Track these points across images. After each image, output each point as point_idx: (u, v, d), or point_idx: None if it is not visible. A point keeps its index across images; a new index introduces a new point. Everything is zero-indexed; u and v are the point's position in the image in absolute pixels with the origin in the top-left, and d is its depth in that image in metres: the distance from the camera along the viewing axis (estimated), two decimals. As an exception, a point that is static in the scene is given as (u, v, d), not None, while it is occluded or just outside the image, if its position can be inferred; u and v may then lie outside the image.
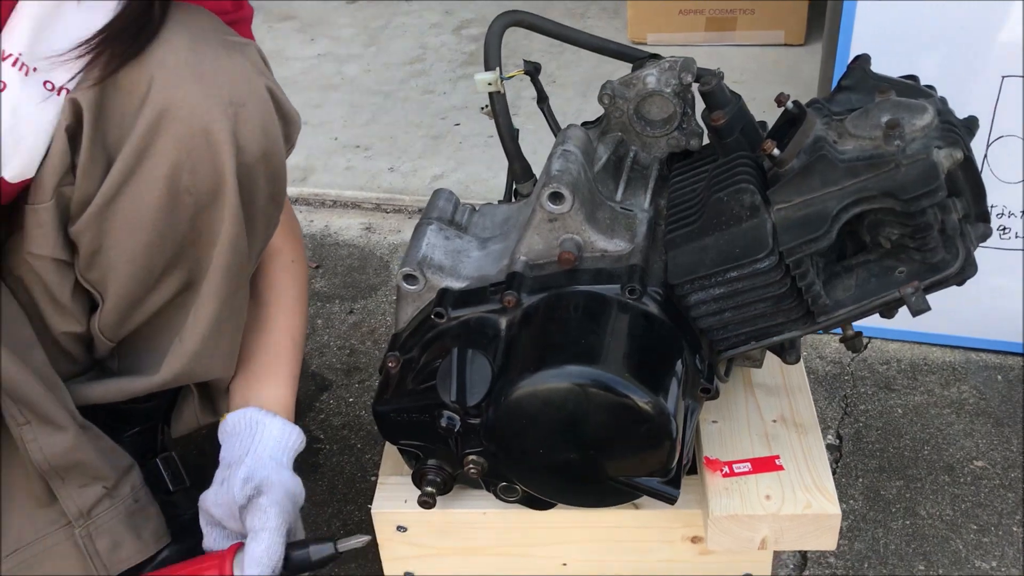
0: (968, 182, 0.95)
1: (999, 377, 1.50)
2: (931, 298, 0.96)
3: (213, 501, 1.01)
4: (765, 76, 2.35)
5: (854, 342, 1.02)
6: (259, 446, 1.03)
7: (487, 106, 1.17)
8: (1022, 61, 1.33)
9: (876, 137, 0.92)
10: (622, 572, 1.16)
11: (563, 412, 0.95)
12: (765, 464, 1.08)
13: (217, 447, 1.08)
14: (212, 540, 1.05)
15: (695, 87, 1.08)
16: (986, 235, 0.99)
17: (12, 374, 0.95)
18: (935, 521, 1.28)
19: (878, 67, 1.05)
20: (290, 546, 1.00)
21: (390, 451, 1.18)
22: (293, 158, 1.00)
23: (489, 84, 1.14)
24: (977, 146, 1.15)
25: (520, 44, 2.39)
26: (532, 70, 1.19)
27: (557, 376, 0.94)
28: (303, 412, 1.47)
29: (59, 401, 0.99)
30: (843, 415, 1.45)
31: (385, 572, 1.18)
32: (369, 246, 1.88)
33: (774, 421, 1.14)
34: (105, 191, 0.92)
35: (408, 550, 1.15)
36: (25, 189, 0.94)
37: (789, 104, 0.99)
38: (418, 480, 1.08)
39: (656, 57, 1.13)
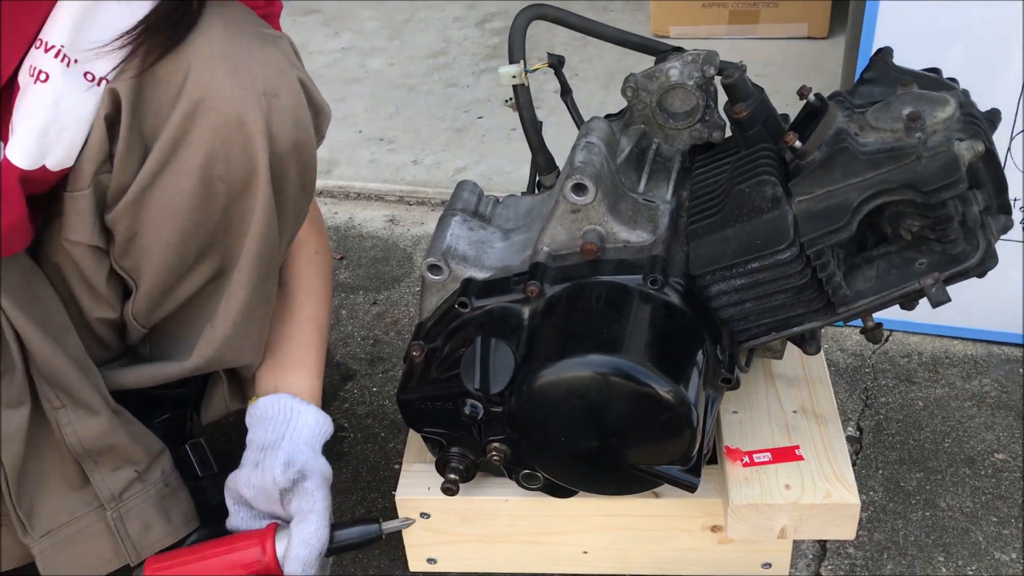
0: (989, 174, 0.95)
1: (1021, 371, 1.50)
2: (953, 291, 0.96)
3: (246, 482, 1.03)
4: (788, 69, 2.35)
5: (874, 333, 1.03)
6: (295, 432, 1.05)
7: (511, 99, 1.18)
8: (1046, 55, 1.33)
9: (897, 129, 0.93)
10: (642, 560, 1.17)
11: (585, 400, 0.96)
12: (785, 454, 1.09)
13: (244, 434, 1.10)
14: (240, 520, 1.07)
15: (718, 80, 1.09)
16: (1007, 227, 0.99)
17: (48, 359, 0.98)
18: (955, 513, 1.28)
19: (902, 60, 1.05)
20: (333, 526, 1.01)
21: (413, 439, 1.20)
22: (318, 151, 1.01)
23: (513, 77, 1.15)
24: (1000, 139, 1.15)
25: (543, 37, 2.39)
26: (556, 63, 1.20)
27: (579, 365, 0.95)
28: (328, 401, 1.49)
29: (93, 386, 1.02)
30: (864, 407, 1.45)
31: (408, 558, 1.20)
32: (393, 238, 1.89)
33: (794, 412, 1.15)
34: (141, 180, 0.94)
35: (431, 536, 1.16)
36: (64, 177, 0.96)
37: (811, 97, 1.00)
38: (441, 467, 1.09)
39: (679, 50, 1.14)
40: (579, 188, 1.00)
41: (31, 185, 0.94)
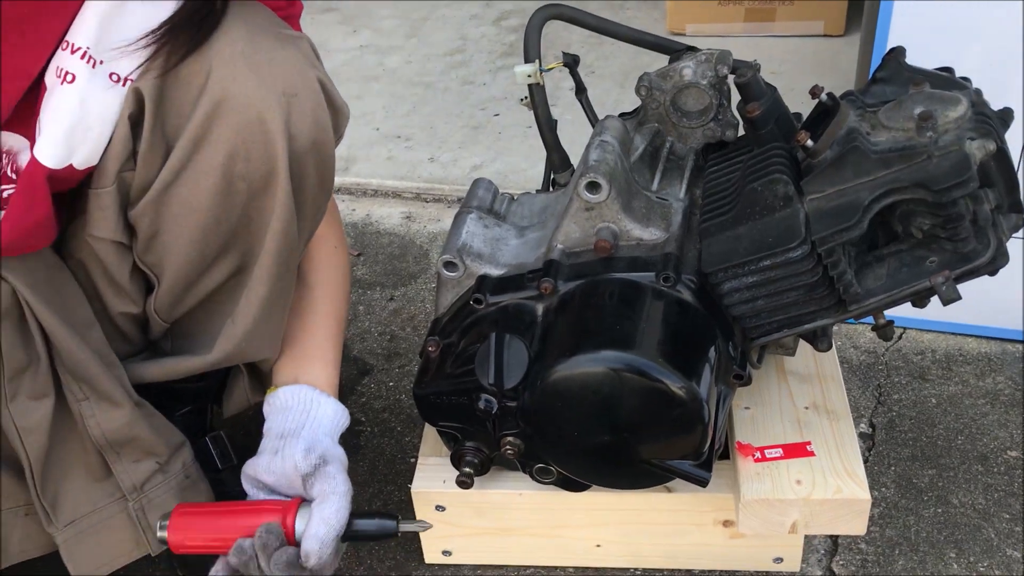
0: (1001, 173, 0.96)
1: (1035, 369, 1.50)
2: (967, 289, 0.97)
3: (266, 469, 1.04)
4: (804, 67, 2.35)
5: (885, 331, 1.03)
6: (315, 422, 1.07)
7: (526, 97, 1.19)
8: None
9: (909, 128, 0.93)
10: (654, 554, 1.19)
11: (598, 396, 0.97)
12: (796, 450, 1.10)
13: (262, 426, 1.12)
14: None
15: (731, 79, 1.10)
16: (1018, 226, 1.00)
17: (72, 352, 1.00)
18: (967, 510, 1.29)
19: (916, 59, 1.06)
20: (353, 514, 1.03)
21: (429, 433, 1.21)
22: (336, 149, 1.03)
23: (528, 76, 1.16)
24: (1013, 138, 1.15)
25: (559, 36, 2.40)
26: (571, 62, 1.21)
27: (592, 361, 0.96)
28: (345, 396, 1.50)
29: (116, 379, 1.03)
30: (876, 404, 1.46)
31: (424, 550, 1.22)
32: (409, 235, 1.91)
33: (806, 408, 1.16)
34: (164, 177, 0.96)
35: (446, 529, 1.18)
36: (88, 175, 0.98)
37: (823, 96, 1.01)
38: (456, 461, 1.11)
39: (693, 49, 1.15)
40: (593, 186, 1.01)
41: (58, 183, 0.96)
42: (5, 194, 0.96)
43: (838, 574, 1.21)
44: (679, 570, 1.21)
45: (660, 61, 1.17)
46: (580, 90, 1.23)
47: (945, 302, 0.96)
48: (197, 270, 1.02)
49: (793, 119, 1.07)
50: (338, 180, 2.08)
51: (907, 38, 1.24)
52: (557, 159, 1.22)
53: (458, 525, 1.18)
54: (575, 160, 1.16)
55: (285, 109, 0.94)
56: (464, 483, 1.10)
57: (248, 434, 1.32)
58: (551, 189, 1.24)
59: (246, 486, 1.08)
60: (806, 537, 1.20)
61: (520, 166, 2.11)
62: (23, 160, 0.95)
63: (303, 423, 1.06)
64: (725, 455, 1.12)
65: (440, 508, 1.16)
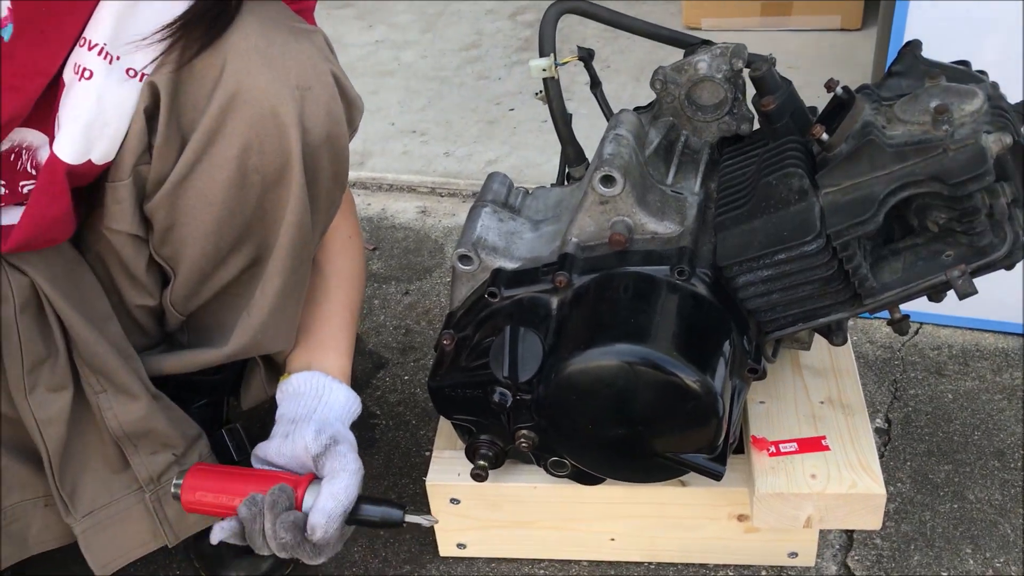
0: (1018, 166, 0.95)
1: (1053, 364, 1.49)
2: (985, 284, 0.96)
3: (277, 452, 1.05)
4: (821, 61, 2.34)
5: (901, 325, 1.03)
6: (326, 407, 1.07)
7: (541, 91, 1.19)
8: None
9: (925, 122, 0.93)
10: (669, 548, 1.19)
11: (612, 389, 0.97)
12: (811, 444, 1.10)
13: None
14: None
15: (746, 73, 1.10)
16: (1035, 220, 0.99)
17: (90, 344, 1.01)
18: (983, 505, 1.28)
19: (933, 52, 1.05)
20: (361, 497, 1.03)
21: (444, 426, 1.22)
22: (351, 143, 1.03)
23: (543, 70, 1.16)
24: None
25: (574, 30, 2.40)
26: (586, 56, 1.21)
27: (607, 354, 0.96)
28: (361, 389, 1.51)
29: (133, 371, 1.04)
30: (892, 399, 1.45)
31: (439, 542, 1.22)
32: (424, 229, 1.92)
33: (821, 402, 1.15)
34: (179, 170, 0.97)
35: (460, 522, 1.18)
36: (106, 169, 0.99)
37: (838, 90, 1.01)
38: (471, 454, 1.11)
39: (708, 43, 1.15)
40: (607, 180, 1.01)
41: (77, 179, 0.97)
42: (25, 190, 0.97)
43: (853, 569, 1.21)
44: (693, 564, 1.21)
45: (675, 55, 1.17)
46: (595, 84, 1.23)
47: (961, 296, 0.95)
48: (212, 262, 1.02)
49: (808, 113, 1.07)
50: (353, 174, 2.08)
51: (923, 31, 1.23)
52: (572, 153, 1.22)
53: (472, 518, 1.18)
54: (590, 154, 1.16)
55: (299, 102, 0.95)
56: (479, 476, 1.10)
57: (264, 426, 1.33)
58: (566, 183, 1.24)
59: (255, 467, 1.09)
60: (821, 532, 1.19)
61: (535, 160, 2.11)
62: (42, 156, 0.96)
63: (314, 408, 1.07)
64: (740, 449, 1.12)
65: (455, 501, 1.16)
